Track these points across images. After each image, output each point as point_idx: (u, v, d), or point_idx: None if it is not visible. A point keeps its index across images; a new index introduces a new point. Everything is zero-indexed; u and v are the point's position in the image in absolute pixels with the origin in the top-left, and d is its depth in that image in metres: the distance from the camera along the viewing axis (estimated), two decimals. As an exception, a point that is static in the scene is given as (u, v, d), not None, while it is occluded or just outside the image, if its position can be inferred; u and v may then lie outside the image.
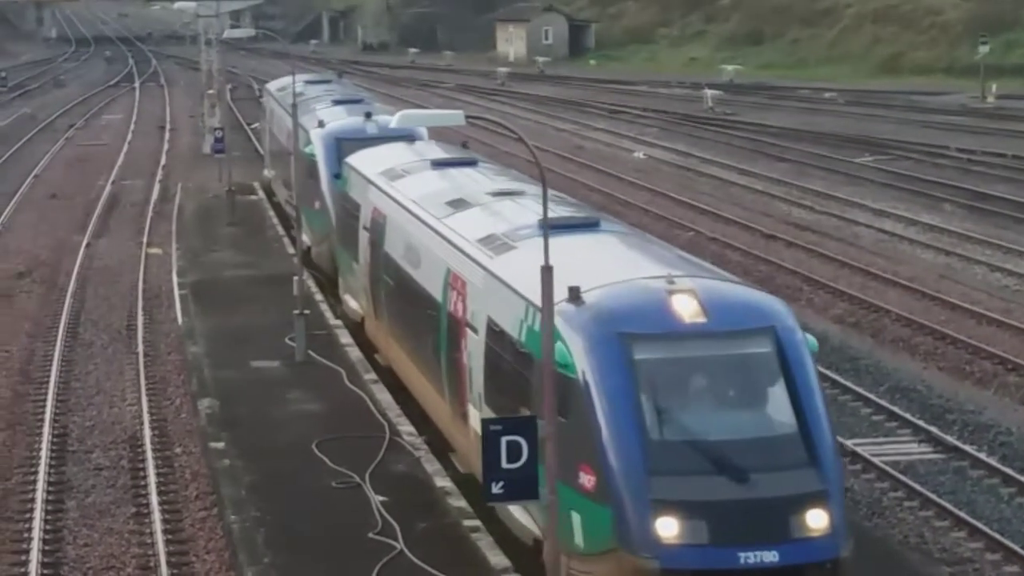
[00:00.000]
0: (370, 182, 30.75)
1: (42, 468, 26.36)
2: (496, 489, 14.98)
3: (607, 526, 16.80)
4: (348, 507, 23.35)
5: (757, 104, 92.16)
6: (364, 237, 30.61)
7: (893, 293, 39.34)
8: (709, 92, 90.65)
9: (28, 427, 29.17)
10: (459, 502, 23.25)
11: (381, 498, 23.48)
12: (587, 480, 17.03)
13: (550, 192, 26.27)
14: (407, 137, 36.81)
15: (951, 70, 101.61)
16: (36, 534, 23.26)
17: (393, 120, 16.40)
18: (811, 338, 18.24)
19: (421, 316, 25.18)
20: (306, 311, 32.83)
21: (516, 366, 19.38)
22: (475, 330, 21.44)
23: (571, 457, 16.96)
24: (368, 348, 31.27)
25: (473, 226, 23.73)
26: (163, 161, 70.73)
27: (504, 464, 14.91)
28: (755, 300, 18.75)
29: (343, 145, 37.81)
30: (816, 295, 39.46)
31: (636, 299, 18.30)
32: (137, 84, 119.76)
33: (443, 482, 24.20)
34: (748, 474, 16.73)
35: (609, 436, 16.91)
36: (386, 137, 36.41)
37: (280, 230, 48.93)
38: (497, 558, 21.00)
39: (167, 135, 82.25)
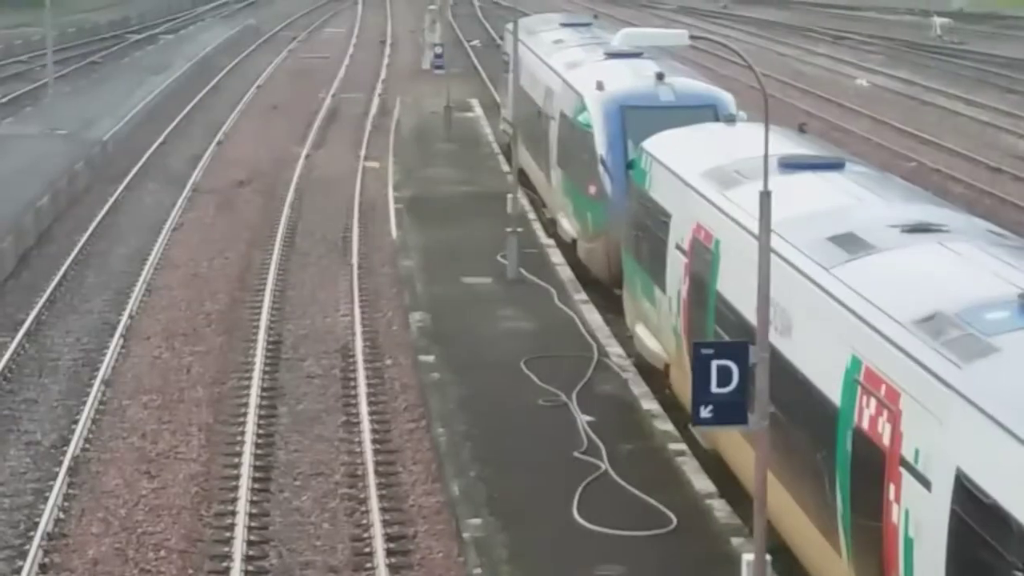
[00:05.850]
0: (689, 186, 22.48)
1: (256, 374, 26.84)
2: (704, 413, 14.74)
3: None
4: (554, 425, 23.38)
5: (987, 33, 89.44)
6: (678, 260, 22.54)
7: (1124, 231, 37.97)
8: (938, 20, 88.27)
9: (244, 333, 29.70)
10: (665, 425, 23.12)
11: (587, 418, 23.46)
12: None
13: (993, 234, 17.31)
14: (713, 106, 30.47)
15: None
16: (249, 437, 23.69)
17: (615, 39, 15.63)
18: None
19: (794, 414, 16.80)
20: (519, 229, 32.87)
21: None
22: (924, 481, 13.31)
23: None
24: (667, 401, 24.09)
25: (891, 290, 15.40)
26: (383, 75, 71.31)
27: (714, 388, 14.64)
28: None
29: (629, 116, 30.75)
30: (1042, 231, 38.27)
31: None
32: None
33: (650, 404, 24.07)
34: None
35: None
36: (686, 107, 30.01)
37: (496, 147, 49.02)
38: (702, 483, 20.85)
39: (387, 50, 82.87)
